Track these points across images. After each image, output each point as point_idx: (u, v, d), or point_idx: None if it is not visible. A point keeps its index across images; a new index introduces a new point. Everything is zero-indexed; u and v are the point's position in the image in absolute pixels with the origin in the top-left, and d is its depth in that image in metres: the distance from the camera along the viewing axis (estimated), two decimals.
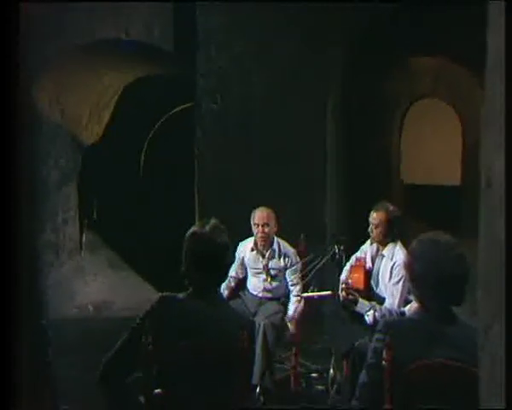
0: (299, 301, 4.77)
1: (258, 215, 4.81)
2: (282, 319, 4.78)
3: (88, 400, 3.70)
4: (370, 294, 4.51)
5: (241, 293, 5.00)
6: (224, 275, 2.80)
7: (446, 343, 2.28)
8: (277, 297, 4.92)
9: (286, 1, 5.88)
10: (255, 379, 4.25)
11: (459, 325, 2.32)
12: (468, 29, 4.24)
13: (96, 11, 6.33)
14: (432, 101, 8.49)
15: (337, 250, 4.72)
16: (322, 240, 5.86)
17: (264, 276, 4.90)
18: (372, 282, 4.54)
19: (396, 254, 4.40)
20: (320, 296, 4.78)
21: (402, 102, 8.61)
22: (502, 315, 1.04)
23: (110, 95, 7.61)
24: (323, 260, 4.72)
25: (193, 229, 2.69)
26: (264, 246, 4.86)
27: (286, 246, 4.89)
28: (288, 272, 4.86)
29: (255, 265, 4.92)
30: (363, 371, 2.44)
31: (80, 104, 7.29)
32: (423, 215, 7.65)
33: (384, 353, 2.29)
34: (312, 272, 4.70)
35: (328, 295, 4.76)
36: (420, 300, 2.40)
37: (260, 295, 4.91)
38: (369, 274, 4.55)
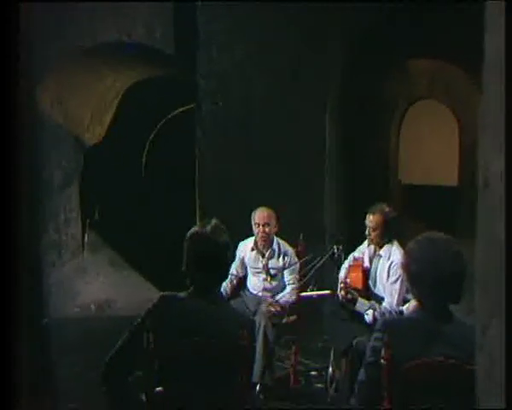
0: (291, 296, 4.78)
1: (259, 215, 4.81)
2: (283, 317, 4.79)
3: (90, 398, 3.69)
4: (369, 293, 4.51)
5: (241, 292, 5.00)
6: (224, 274, 2.80)
7: (444, 342, 2.28)
8: None
9: (286, 1, 5.87)
10: (255, 377, 4.25)
11: (456, 324, 2.32)
12: (465, 31, 4.24)
13: (98, 14, 6.33)
14: (429, 102, 8.49)
15: (336, 250, 4.72)
16: (321, 240, 5.86)
17: (263, 275, 4.90)
18: (370, 282, 4.54)
19: (393, 254, 4.41)
20: (319, 295, 4.79)
21: (400, 103, 8.61)
22: (500, 314, 1.03)
23: (112, 96, 7.60)
24: (323, 260, 4.72)
25: (194, 229, 2.69)
26: (264, 246, 4.86)
27: (285, 246, 4.89)
28: (285, 272, 4.86)
29: (255, 264, 4.92)
30: (362, 370, 2.44)
31: (82, 106, 7.29)
32: (421, 215, 7.65)
33: (382, 351, 2.29)
34: (311, 272, 4.70)
35: (327, 294, 4.77)
36: (418, 298, 2.40)
37: (260, 294, 4.91)
38: (367, 274, 4.54)
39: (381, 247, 4.48)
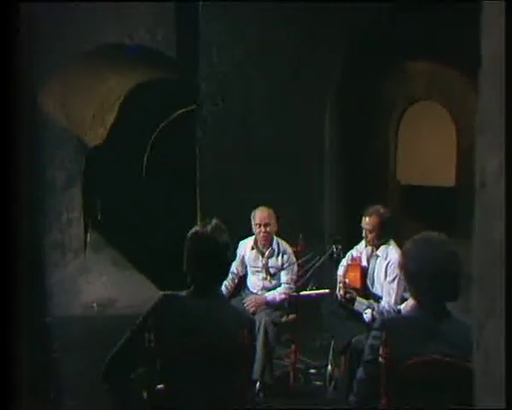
0: (280, 295, 4.78)
1: (260, 216, 4.80)
2: (282, 316, 4.80)
3: (92, 395, 3.69)
4: (367, 292, 4.51)
5: (241, 291, 5.00)
6: (224, 274, 2.80)
7: (441, 340, 2.28)
8: None
9: (286, 1, 5.85)
10: (256, 375, 4.25)
11: (453, 322, 2.32)
12: (463, 32, 4.23)
13: (101, 17, 6.33)
14: (427, 103, 8.49)
15: (335, 250, 4.73)
16: (320, 240, 5.86)
17: (263, 274, 4.90)
18: (368, 281, 4.54)
19: (390, 254, 4.41)
20: (318, 294, 4.80)
21: (398, 104, 8.61)
22: (496, 313, 1.03)
23: (114, 98, 7.61)
24: (322, 260, 4.72)
25: (195, 229, 2.69)
26: (264, 245, 4.86)
27: (285, 245, 4.89)
28: (282, 272, 4.85)
29: (255, 263, 4.92)
30: (361, 368, 2.44)
31: (85, 108, 7.29)
32: (419, 215, 7.65)
33: (380, 349, 2.29)
34: (311, 271, 4.70)
35: (326, 293, 4.77)
36: (415, 297, 2.41)
37: (260, 293, 4.91)
38: (365, 273, 4.55)
39: (377, 247, 4.48)
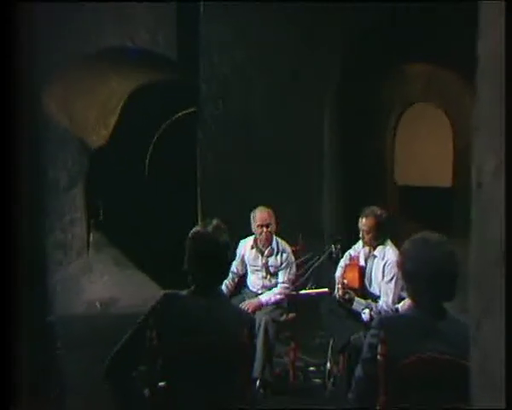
0: (275, 295, 4.77)
1: (260, 216, 4.79)
2: (282, 314, 4.79)
3: (95, 392, 3.69)
4: (365, 292, 4.51)
5: (241, 290, 5.00)
6: (225, 273, 2.80)
7: (438, 338, 2.28)
8: None
9: (286, 1, 5.83)
10: (256, 373, 4.25)
11: (450, 321, 2.32)
12: (460, 34, 4.23)
13: (102, 19, 6.33)
14: (424, 105, 8.48)
15: (334, 249, 4.73)
16: (319, 239, 5.86)
17: (262, 273, 4.90)
18: (366, 281, 4.54)
19: (387, 254, 4.42)
20: (317, 293, 4.80)
21: (396, 106, 8.60)
22: (493, 311, 1.03)
23: (116, 100, 7.61)
24: (321, 259, 4.73)
25: (196, 229, 2.69)
26: (264, 244, 4.85)
27: (284, 244, 4.88)
28: (280, 272, 4.85)
29: (255, 262, 4.91)
30: (359, 366, 2.44)
31: (87, 109, 7.29)
32: (417, 215, 7.65)
33: (379, 348, 2.29)
34: (310, 271, 4.71)
35: (325, 292, 4.77)
36: (413, 297, 2.41)
37: (260, 292, 4.91)
38: (363, 273, 4.55)
39: (375, 248, 4.48)
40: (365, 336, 2.54)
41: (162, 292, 2.67)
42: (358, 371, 2.43)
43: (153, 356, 2.45)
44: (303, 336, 5.08)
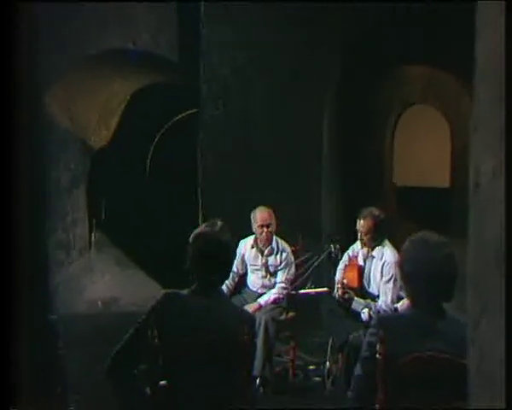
0: (273, 295, 4.77)
1: (261, 217, 4.79)
2: (282, 313, 4.79)
3: (96, 390, 3.69)
4: (363, 292, 4.51)
5: (242, 290, 5.00)
6: (227, 273, 2.80)
7: (436, 337, 2.28)
8: None
9: (287, 1, 5.82)
10: (256, 371, 4.25)
11: (449, 320, 2.32)
12: (459, 35, 4.22)
13: (104, 22, 6.33)
14: (423, 107, 8.48)
15: (333, 249, 4.73)
16: (318, 239, 5.85)
17: (262, 273, 4.90)
18: (364, 281, 4.54)
19: (385, 254, 4.41)
20: (317, 293, 4.80)
21: (395, 107, 8.60)
22: (491, 311, 1.03)
23: (118, 101, 7.61)
24: (320, 259, 4.73)
25: (201, 229, 2.68)
26: (264, 244, 4.85)
27: (284, 244, 4.88)
28: (279, 272, 4.84)
29: (255, 262, 4.91)
30: (358, 364, 2.44)
31: (89, 111, 7.29)
32: (415, 216, 7.64)
33: (377, 346, 2.28)
34: (309, 270, 4.71)
35: (325, 291, 4.77)
36: (411, 297, 2.40)
37: (260, 291, 4.91)
38: (362, 272, 4.55)
39: (373, 248, 4.48)
40: (364, 336, 2.54)
41: (163, 291, 2.66)
42: (357, 369, 2.43)
43: (153, 355, 2.45)
44: (302, 335, 5.08)
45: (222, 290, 2.84)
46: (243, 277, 5.02)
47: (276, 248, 4.86)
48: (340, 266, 4.66)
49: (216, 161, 6.20)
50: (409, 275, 2.34)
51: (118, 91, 7.42)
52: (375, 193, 7.56)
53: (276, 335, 4.68)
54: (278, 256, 4.86)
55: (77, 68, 6.52)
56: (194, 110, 6.72)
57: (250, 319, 2.77)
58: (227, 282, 4.68)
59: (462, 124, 7.33)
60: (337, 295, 4.46)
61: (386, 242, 4.46)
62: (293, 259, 4.86)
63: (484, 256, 1.06)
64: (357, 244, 4.63)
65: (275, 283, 4.87)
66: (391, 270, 4.31)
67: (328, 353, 4.63)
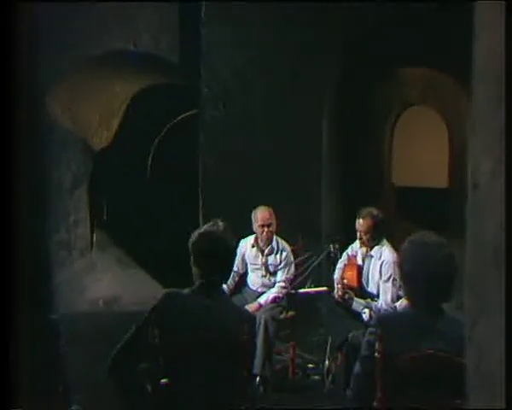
0: (272, 294, 4.76)
1: (262, 216, 4.79)
2: (281, 312, 4.79)
3: (98, 388, 3.69)
4: (363, 291, 4.51)
5: (242, 289, 5.00)
6: (228, 273, 2.80)
7: (435, 336, 2.28)
8: None
9: (287, 1, 5.81)
10: (256, 370, 4.24)
11: (447, 320, 2.31)
12: (457, 36, 4.22)
13: (106, 23, 6.33)
14: (421, 108, 8.48)
15: (332, 249, 4.72)
16: (318, 239, 5.85)
17: (262, 272, 4.89)
18: (363, 281, 4.54)
19: (384, 254, 4.41)
20: (316, 292, 4.79)
21: (395, 108, 8.60)
22: (488, 310, 1.03)
23: (119, 102, 7.60)
24: (319, 259, 4.72)
25: (206, 228, 2.68)
26: (265, 243, 4.85)
27: (284, 244, 4.88)
28: (279, 272, 4.84)
29: (255, 261, 4.91)
30: (357, 363, 2.43)
31: (91, 112, 7.29)
32: (413, 216, 7.64)
33: (376, 345, 2.28)
34: (309, 270, 4.70)
35: (324, 290, 4.77)
36: (410, 297, 2.40)
37: (259, 290, 4.90)
38: (361, 272, 4.54)
39: (371, 248, 4.48)
40: (363, 334, 2.54)
41: (164, 291, 2.66)
42: (356, 368, 2.43)
43: (154, 353, 2.45)
44: (302, 333, 5.07)
45: (223, 290, 2.84)
46: (243, 276, 5.02)
47: (276, 248, 4.86)
48: (340, 265, 4.66)
49: (216, 162, 6.20)
50: (408, 275, 2.34)
51: (119, 92, 7.41)
52: (374, 193, 7.56)
53: (275, 334, 4.67)
54: (278, 256, 4.85)
55: (78, 69, 6.52)
56: (195, 111, 6.72)
57: (250, 318, 2.77)
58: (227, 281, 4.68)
59: (461, 125, 7.33)
60: (337, 295, 4.45)
61: (385, 241, 4.46)
62: (292, 258, 4.85)
63: (482, 256, 1.06)
64: (356, 244, 4.62)
65: (275, 282, 4.87)
66: (389, 269, 4.31)
67: (328, 351, 4.62)
